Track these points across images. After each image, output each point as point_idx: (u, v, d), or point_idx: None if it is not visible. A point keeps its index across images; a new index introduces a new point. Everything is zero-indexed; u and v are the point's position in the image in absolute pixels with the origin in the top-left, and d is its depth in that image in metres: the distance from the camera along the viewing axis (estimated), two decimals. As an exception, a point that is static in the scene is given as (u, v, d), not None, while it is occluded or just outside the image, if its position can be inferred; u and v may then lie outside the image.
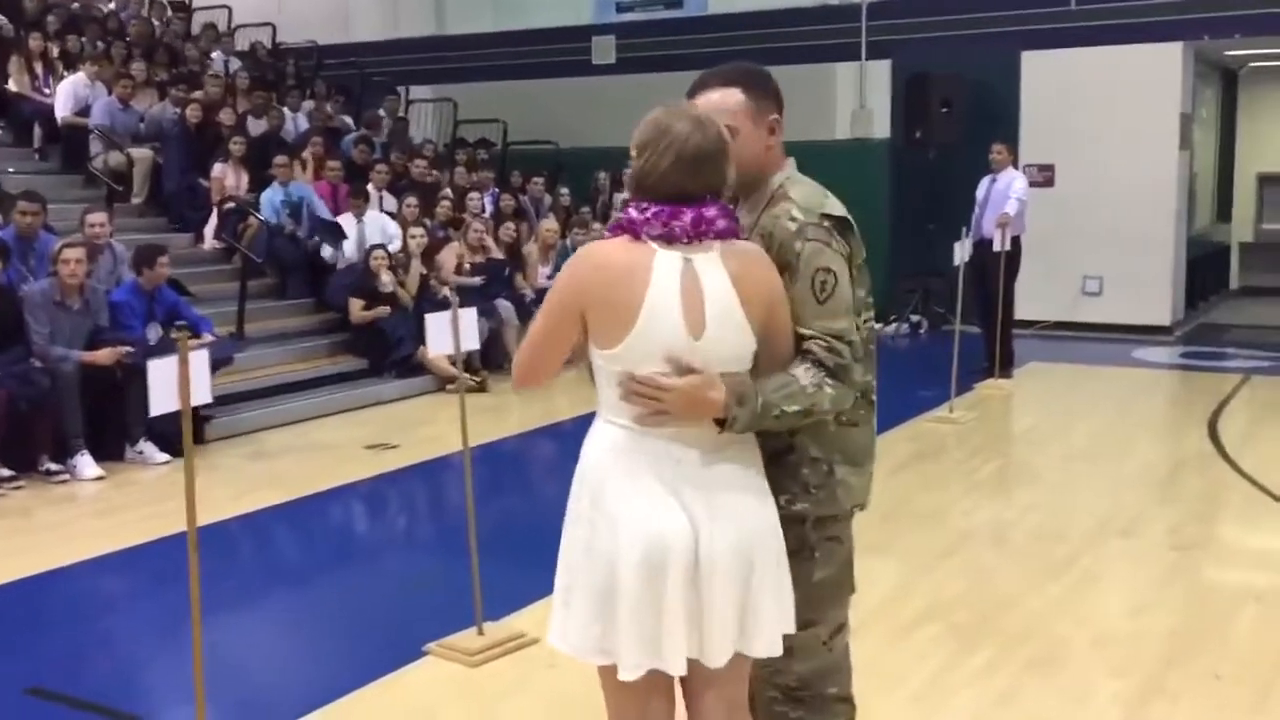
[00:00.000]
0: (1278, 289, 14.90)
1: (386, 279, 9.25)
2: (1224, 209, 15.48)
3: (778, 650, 2.26)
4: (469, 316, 4.21)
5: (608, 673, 2.25)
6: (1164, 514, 5.76)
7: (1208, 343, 11.67)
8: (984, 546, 5.38)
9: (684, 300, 2.14)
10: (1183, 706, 3.66)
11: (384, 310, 9.18)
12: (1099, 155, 11.86)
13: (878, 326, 12.25)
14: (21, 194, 7.47)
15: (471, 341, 4.26)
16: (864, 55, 13.01)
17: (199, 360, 3.14)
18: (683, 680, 2.29)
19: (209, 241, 10.16)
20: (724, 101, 2.41)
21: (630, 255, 2.16)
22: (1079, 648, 4.14)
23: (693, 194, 2.18)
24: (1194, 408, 8.54)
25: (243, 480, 6.70)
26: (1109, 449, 7.24)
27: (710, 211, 2.19)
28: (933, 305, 12.20)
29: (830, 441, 2.40)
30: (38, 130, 10.79)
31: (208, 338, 7.34)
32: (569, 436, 8.27)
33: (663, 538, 2.14)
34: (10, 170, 9.90)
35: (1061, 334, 11.88)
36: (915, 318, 12.35)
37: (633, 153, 2.21)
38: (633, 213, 2.19)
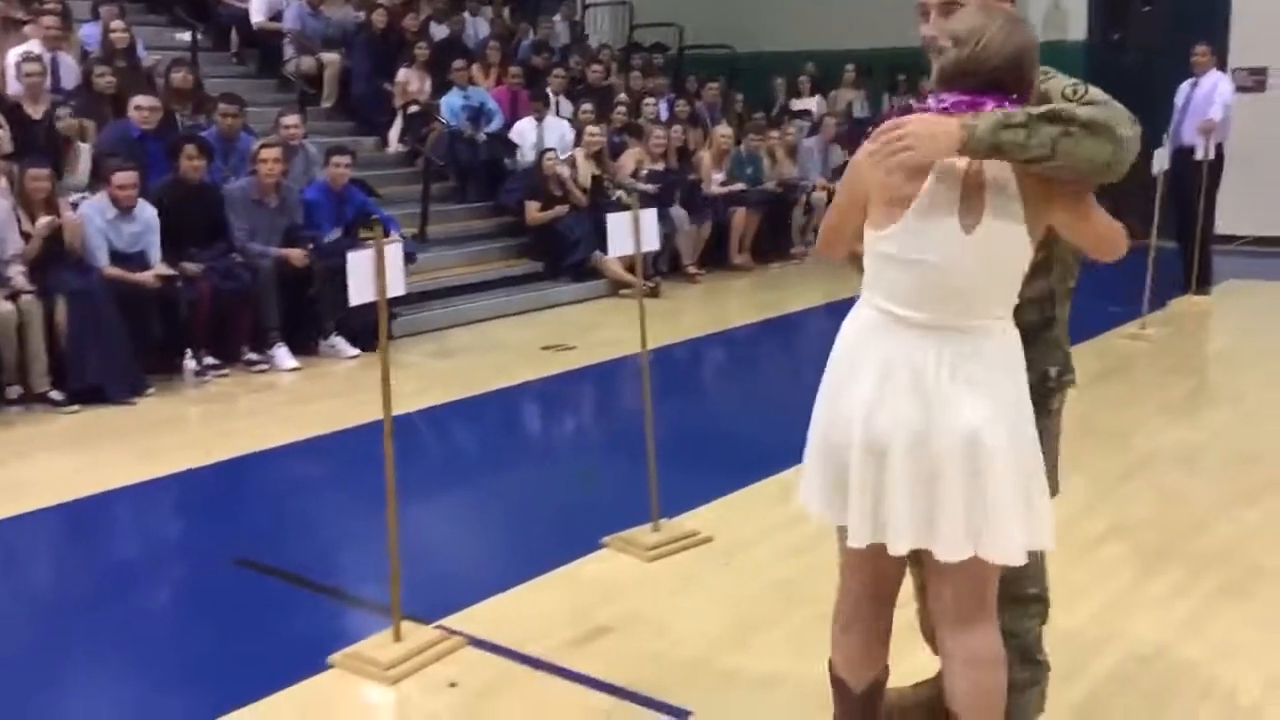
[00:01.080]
0: None
1: (564, 171, 9.34)
2: None
3: (1014, 560, 2.23)
4: (649, 218, 4.23)
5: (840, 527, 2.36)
6: (1375, 442, 5.42)
7: None
8: (1172, 468, 5.17)
9: (964, 193, 2.16)
10: (1389, 640, 3.47)
11: (561, 210, 9.29)
12: (1319, 58, 11.01)
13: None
14: (222, 96, 7.82)
15: (653, 243, 4.27)
16: (1060, -49, 12.33)
17: (394, 254, 3.25)
18: (927, 565, 2.33)
19: (393, 145, 10.43)
20: None
21: (936, 121, 2.13)
22: (1272, 576, 3.96)
23: (1001, 90, 2.15)
24: None
25: (427, 376, 6.95)
26: (1314, 373, 6.83)
27: (1011, 108, 2.12)
28: (1125, 217, 11.60)
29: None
30: (234, 35, 11.20)
31: (395, 236, 7.57)
32: (740, 342, 8.31)
33: (891, 423, 2.19)
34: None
35: (1264, 251, 11.18)
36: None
37: (946, 42, 2.19)
38: (931, 103, 2.19)
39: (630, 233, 4.17)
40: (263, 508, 4.88)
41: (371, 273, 3.20)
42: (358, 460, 5.38)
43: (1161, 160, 7.98)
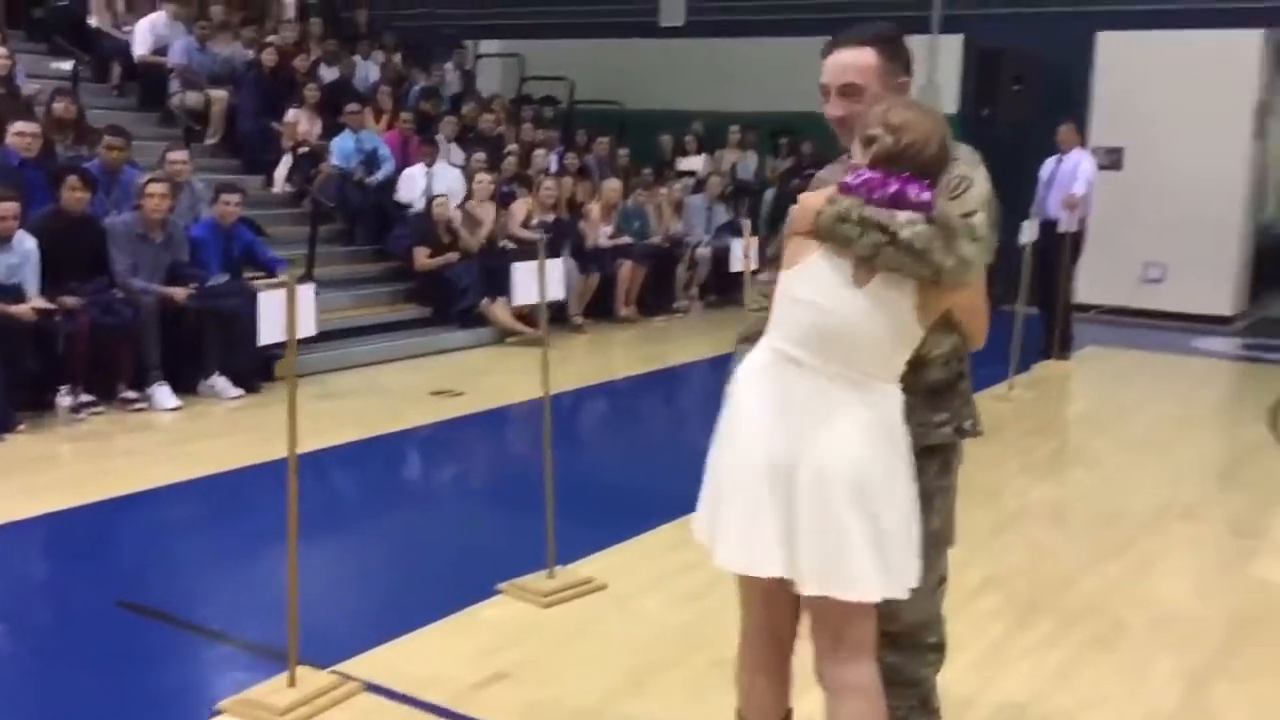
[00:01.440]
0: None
1: (456, 216, 9.37)
2: (1295, 201, 15.26)
3: (863, 597, 2.34)
4: (555, 267, 4.30)
5: None
6: (1226, 501, 5.79)
7: (1270, 335, 11.56)
8: (1041, 525, 5.43)
9: None
10: (1245, 687, 3.71)
11: (452, 256, 9.30)
12: (1169, 140, 11.74)
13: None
14: (108, 128, 7.65)
15: (558, 291, 4.34)
16: (936, 29, 12.91)
17: (306, 295, 3.25)
18: (803, 601, 2.46)
19: (279, 184, 10.32)
20: (857, 60, 2.51)
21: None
22: (1138, 627, 4.19)
23: (922, 176, 2.35)
24: (1254, 398, 8.51)
25: (313, 418, 6.83)
26: (1167, 435, 7.24)
27: (913, 191, 2.32)
28: (992, 285, 12.13)
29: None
30: (116, 67, 10.97)
31: (282, 277, 7.48)
32: (626, 393, 8.41)
33: (763, 452, 2.36)
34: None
35: (1120, 320, 11.81)
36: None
37: (878, 129, 2.36)
38: (850, 179, 2.38)
39: (535, 280, 4.23)
40: (144, 549, 4.76)
41: (282, 313, 3.19)
42: (241, 502, 5.30)
43: (1029, 231, 8.41)
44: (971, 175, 2.45)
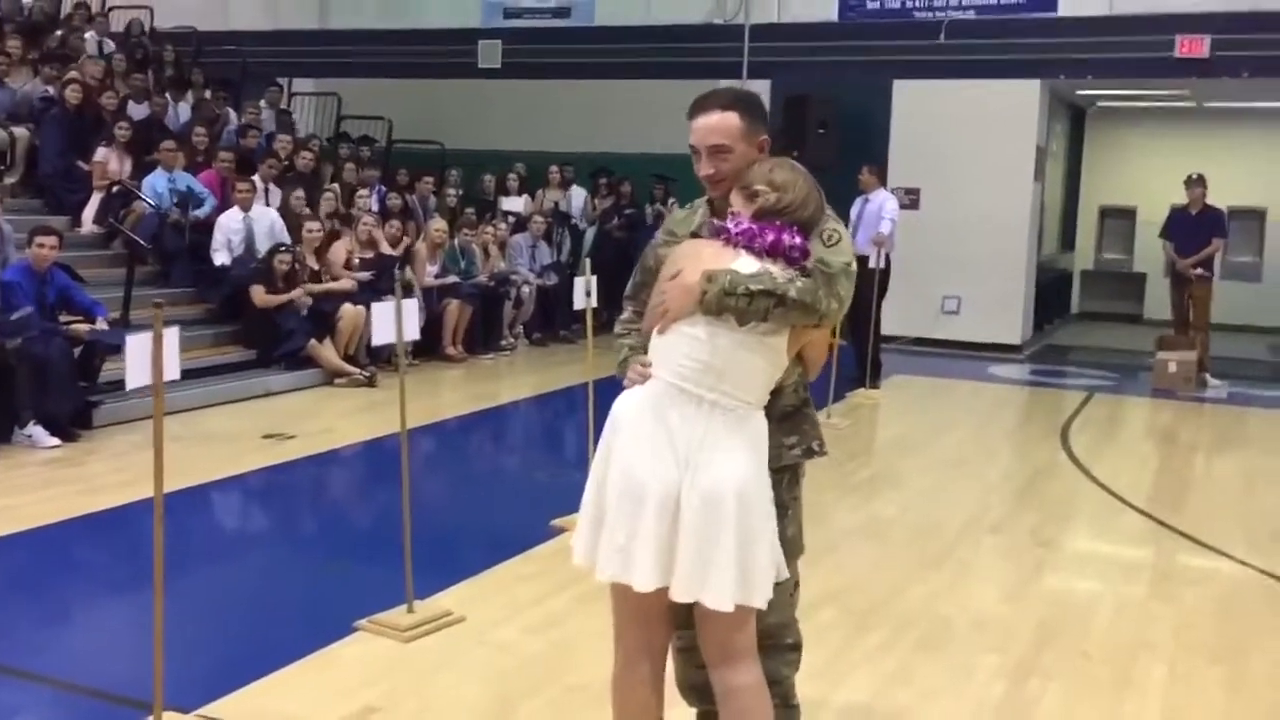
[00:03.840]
0: (1112, 314, 16.05)
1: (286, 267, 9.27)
2: (1068, 238, 16.55)
3: (724, 606, 2.57)
4: (412, 307, 4.38)
5: (612, 588, 2.69)
6: (1027, 514, 6.28)
7: (1053, 362, 12.52)
8: (867, 541, 5.79)
9: None
10: (1056, 682, 4.09)
11: (299, 294, 9.20)
12: (960, 182, 12.61)
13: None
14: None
15: (413, 332, 4.43)
16: (745, 74, 13.50)
17: (172, 338, 3.26)
18: (694, 616, 2.66)
19: (87, 225, 9.96)
20: (723, 123, 2.75)
21: (721, 254, 2.63)
22: (960, 629, 4.56)
23: (792, 218, 2.65)
24: (1045, 420, 9.22)
25: (138, 466, 6.65)
26: (972, 455, 7.79)
27: (787, 238, 2.61)
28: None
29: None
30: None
31: (101, 323, 7.28)
32: (457, 432, 8.45)
33: (647, 475, 2.56)
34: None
35: (921, 349, 12.55)
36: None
37: (762, 186, 2.65)
38: (729, 224, 2.65)
39: (393, 319, 4.31)
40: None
41: (148, 357, 3.19)
42: (74, 554, 5.14)
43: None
44: (838, 229, 2.75)
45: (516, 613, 4.54)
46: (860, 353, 10.04)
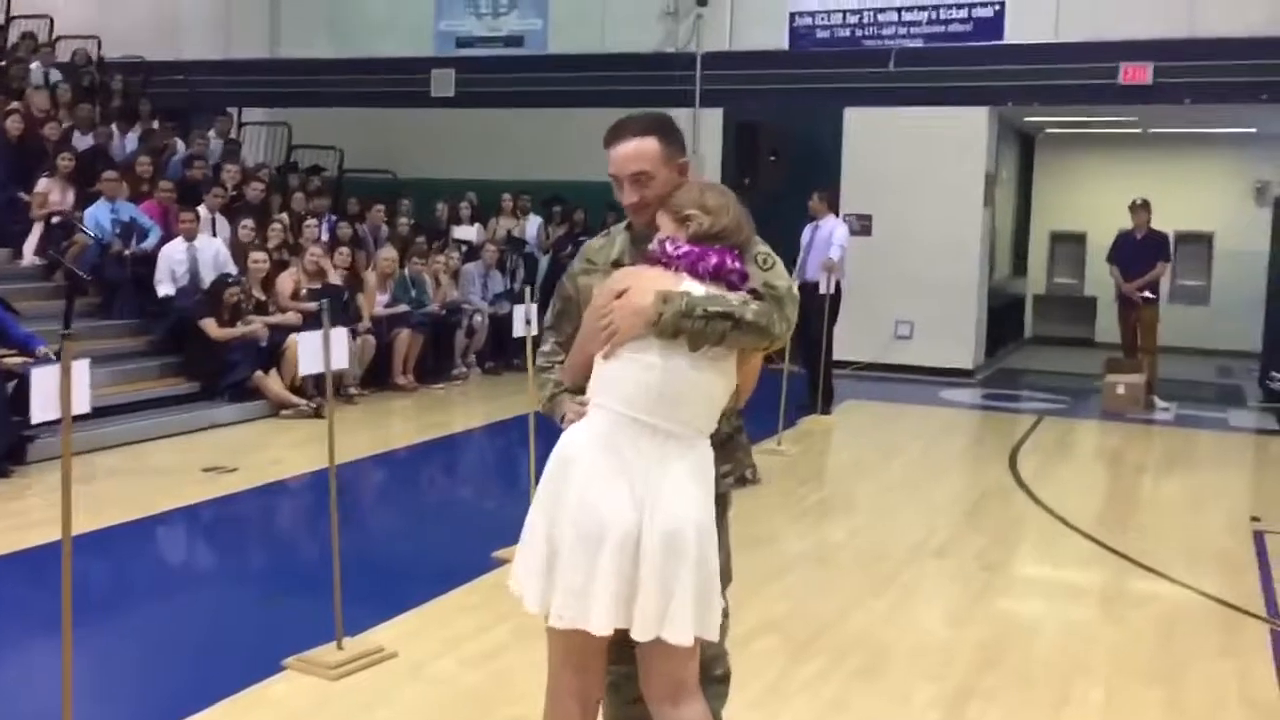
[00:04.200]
0: (1065, 338, 16.18)
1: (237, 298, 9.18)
2: (1020, 263, 16.68)
3: (686, 640, 2.52)
4: (339, 336, 4.32)
5: (552, 631, 2.59)
6: (973, 538, 6.27)
7: (1005, 386, 12.59)
8: (811, 567, 5.75)
9: None
10: (995, 706, 4.06)
11: (258, 326, 9.10)
12: (912, 208, 12.68)
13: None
14: None
15: (342, 361, 4.36)
16: (698, 103, 13.56)
17: (81, 371, 3.17)
18: (638, 653, 2.60)
19: (29, 257, 9.81)
20: (641, 149, 2.72)
21: (656, 277, 2.58)
22: (900, 656, 4.52)
23: (726, 242, 2.63)
24: (995, 444, 9.25)
25: (79, 499, 6.49)
26: (922, 480, 7.79)
27: (729, 261, 2.60)
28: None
29: None
30: None
31: (43, 352, 7.14)
32: (405, 463, 8.36)
33: (606, 514, 2.48)
34: None
35: (875, 374, 12.58)
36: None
37: (694, 210, 2.63)
38: (669, 248, 2.61)
39: (320, 350, 4.24)
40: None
41: (55, 390, 3.11)
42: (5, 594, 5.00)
43: (790, 293, 8.88)
44: (769, 252, 2.73)
45: (453, 646, 4.46)
46: (812, 379, 10.03)
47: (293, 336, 9.34)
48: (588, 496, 2.50)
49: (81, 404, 3.22)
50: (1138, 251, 11.15)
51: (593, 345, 2.62)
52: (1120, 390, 10.65)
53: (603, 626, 2.48)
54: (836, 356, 12.45)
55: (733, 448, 2.84)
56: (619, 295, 2.56)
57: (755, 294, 2.59)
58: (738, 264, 2.61)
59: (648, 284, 2.55)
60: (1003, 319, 15.02)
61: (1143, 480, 8.22)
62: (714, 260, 2.58)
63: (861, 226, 12.89)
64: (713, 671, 2.89)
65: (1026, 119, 14.60)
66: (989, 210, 13.14)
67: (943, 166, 12.60)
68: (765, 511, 6.74)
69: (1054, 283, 17.15)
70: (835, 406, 10.43)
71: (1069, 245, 16.80)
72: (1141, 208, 11.21)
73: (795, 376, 9.56)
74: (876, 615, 4.99)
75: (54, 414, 3.15)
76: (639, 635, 2.51)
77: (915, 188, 12.65)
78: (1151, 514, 7.27)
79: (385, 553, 5.95)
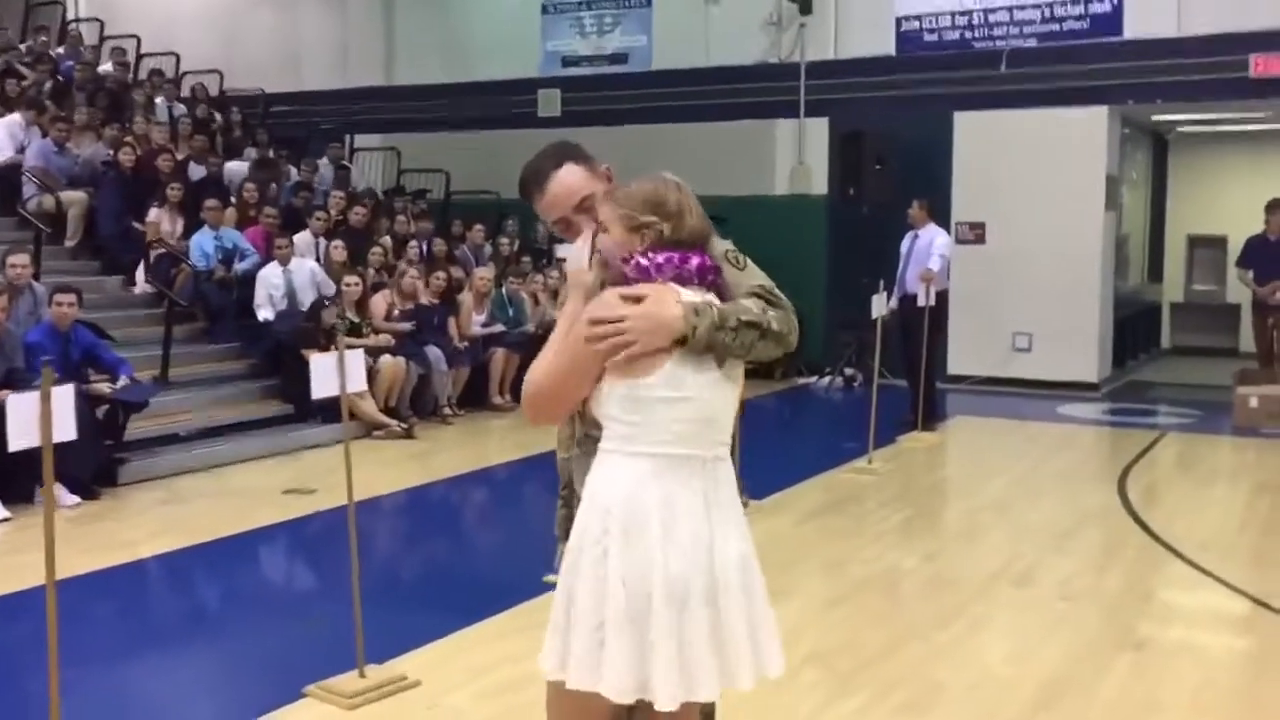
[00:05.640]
0: (1205, 348, 15.24)
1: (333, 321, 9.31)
2: (1155, 269, 15.83)
3: (780, 669, 2.36)
4: (356, 359, 4.26)
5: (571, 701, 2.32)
6: (1059, 565, 5.86)
7: (1134, 400, 11.90)
8: (875, 595, 5.45)
9: None
10: (1041, 750, 3.73)
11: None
12: (1028, 214, 12.13)
13: (812, 380, 12.51)
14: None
15: (358, 383, 4.30)
16: (803, 113, 13.29)
17: (62, 398, 3.16)
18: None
19: (141, 285, 10.16)
20: (569, 181, 2.59)
21: (659, 292, 2.31)
22: (951, 693, 4.21)
23: (692, 244, 2.39)
24: (1108, 463, 8.71)
25: (150, 524, 6.68)
26: (1017, 501, 7.36)
27: (708, 261, 2.38)
28: (867, 359, 12.35)
29: None
30: (-27, 171, 10.78)
31: (124, 380, 7.35)
32: (493, 483, 8.32)
33: (687, 569, 2.24)
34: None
35: (992, 389, 12.05)
36: (849, 371, 12.50)
37: (650, 217, 2.36)
38: (643, 260, 2.35)
39: (335, 374, 4.19)
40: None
41: (34, 418, 3.10)
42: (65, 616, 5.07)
43: (880, 305, 8.56)
44: (733, 247, 2.49)
45: (475, 677, 4.34)
46: (914, 394, 9.65)
47: (385, 358, 9.51)
48: (659, 557, 2.22)
49: (65, 431, 3.21)
50: (1273, 254, 10.43)
51: (587, 366, 2.30)
52: (1253, 403, 9.94)
53: (713, 690, 2.28)
54: (951, 370, 12.08)
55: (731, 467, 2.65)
56: (632, 302, 2.27)
57: (770, 300, 2.38)
58: (710, 260, 2.38)
59: (665, 293, 2.30)
60: (1135, 329, 14.26)
61: (1263, 502, 7.58)
62: (695, 262, 2.35)
63: (975, 235, 12.42)
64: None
65: (1155, 118, 13.85)
66: (1112, 214, 12.49)
67: (1060, 170, 12.02)
68: (837, 534, 6.46)
69: (1193, 289, 16.22)
70: (944, 423, 10.02)
71: (1209, 250, 15.85)
72: (1276, 208, 10.48)
73: (890, 391, 9.23)
74: (934, 648, 4.67)
75: (35, 440, 3.14)
76: (743, 683, 2.30)
77: (1031, 193, 12.11)
78: (1270, 540, 6.69)
79: (436, 576, 5.90)
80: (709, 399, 2.31)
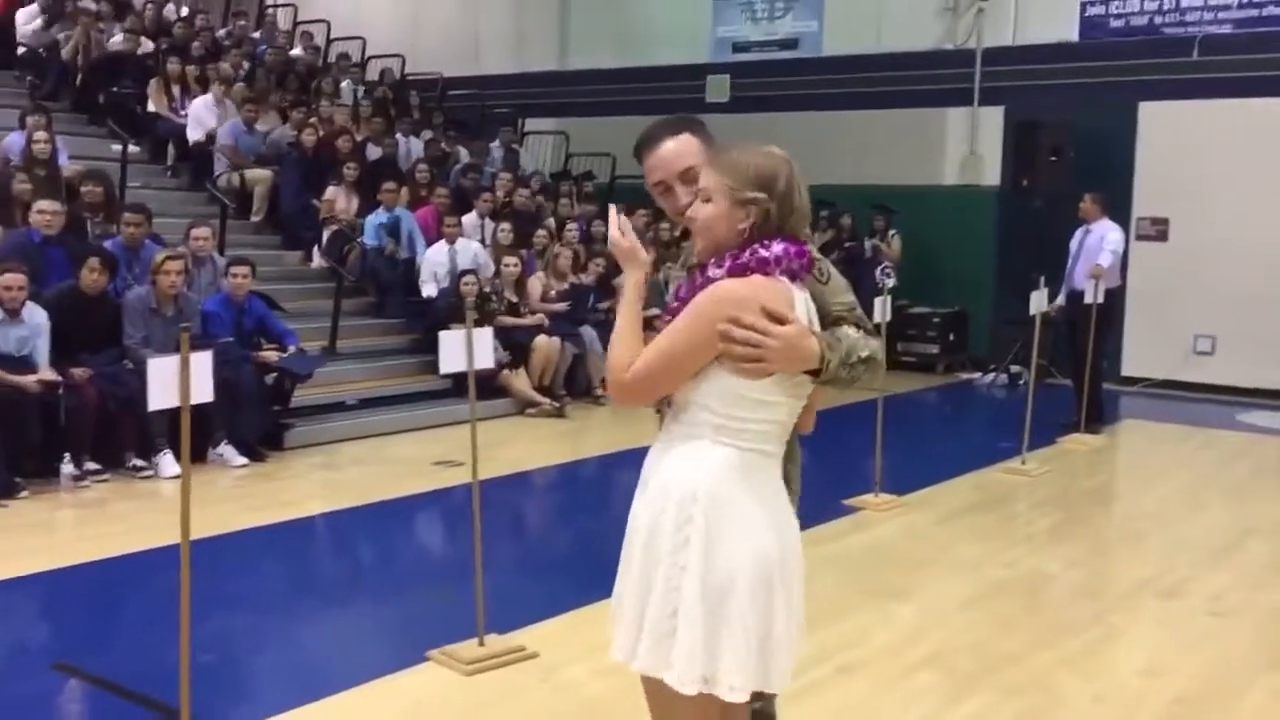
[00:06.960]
0: None
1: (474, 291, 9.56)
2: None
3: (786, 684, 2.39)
4: (484, 336, 4.37)
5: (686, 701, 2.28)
6: (1213, 579, 5.56)
7: (1324, 410, 11.13)
8: (1010, 598, 5.27)
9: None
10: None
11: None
12: (1216, 210, 11.47)
13: (976, 375, 12.15)
14: (128, 206, 7.99)
15: (485, 361, 4.41)
16: (977, 101, 12.91)
17: (201, 362, 3.36)
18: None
19: (318, 260, 10.65)
20: (683, 146, 2.59)
21: (778, 290, 2.27)
22: (1075, 703, 4.06)
23: (796, 229, 2.34)
24: (1285, 475, 8.20)
25: (308, 486, 7.03)
26: (1177, 510, 7.00)
27: (809, 256, 2.35)
28: (1021, 359, 11.93)
29: None
30: (171, 149, 11.48)
31: (293, 349, 7.73)
32: (631, 465, 8.40)
33: (770, 550, 2.29)
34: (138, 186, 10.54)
35: (1168, 393, 11.48)
36: (1015, 368, 12.09)
37: (758, 193, 2.28)
38: (762, 251, 2.28)
39: (462, 349, 4.31)
40: (92, 614, 4.88)
41: (173, 380, 3.30)
42: (214, 570, 5.40)
43: (1039, 301, 8.25)
44: (819, 256, 2.44)
45: (592, 652, 4.39)
46: (1078, 394, 9.27)
47: (540, 337, 9.71)
48: (745, 544, 2.25)
49: (203, 392, 3.40)
50: None
51: (704, 357, 2.25)
52: None
53: (786, 679, 2.33)
54: (1125, 372, 11.56)
55: None
56: (776, 320, 2.20)
57: (859, 324, 2.44)
58: (806, 248, 2.33)
59: (803, 332, 2.26)
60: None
61: None
62: (805, 258, 2.31)
63: (1156, 231, 11.84)
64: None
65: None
66: (1310, 212, 11.68)
67: (1255, 164, 11.31)
68: (980, 535, 6.28)
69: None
70: (1111, 426, 9.60)
71: None
72: None
73: (1055, 390, 8.90)
74: (1063, 656, 4.50)
75: (173, 401, 3.34)
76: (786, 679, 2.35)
77: (1220, 188, 11.44)
78: None
79: (572, 550, 6.01)
80: (795, 407, 2.36)
